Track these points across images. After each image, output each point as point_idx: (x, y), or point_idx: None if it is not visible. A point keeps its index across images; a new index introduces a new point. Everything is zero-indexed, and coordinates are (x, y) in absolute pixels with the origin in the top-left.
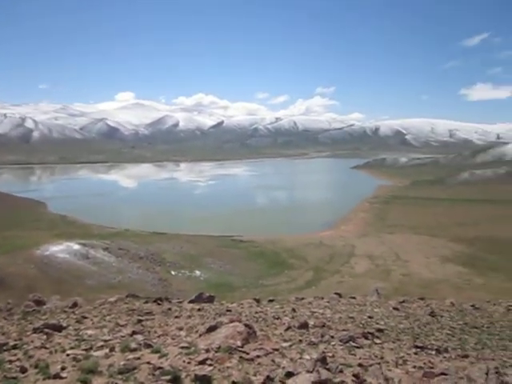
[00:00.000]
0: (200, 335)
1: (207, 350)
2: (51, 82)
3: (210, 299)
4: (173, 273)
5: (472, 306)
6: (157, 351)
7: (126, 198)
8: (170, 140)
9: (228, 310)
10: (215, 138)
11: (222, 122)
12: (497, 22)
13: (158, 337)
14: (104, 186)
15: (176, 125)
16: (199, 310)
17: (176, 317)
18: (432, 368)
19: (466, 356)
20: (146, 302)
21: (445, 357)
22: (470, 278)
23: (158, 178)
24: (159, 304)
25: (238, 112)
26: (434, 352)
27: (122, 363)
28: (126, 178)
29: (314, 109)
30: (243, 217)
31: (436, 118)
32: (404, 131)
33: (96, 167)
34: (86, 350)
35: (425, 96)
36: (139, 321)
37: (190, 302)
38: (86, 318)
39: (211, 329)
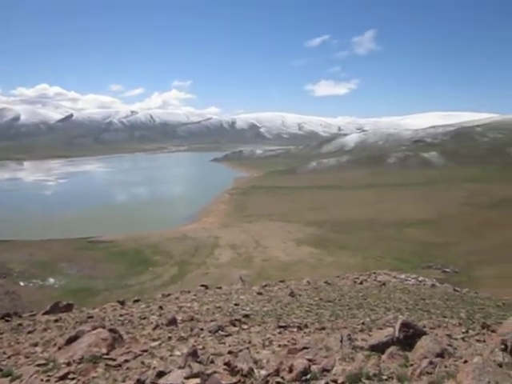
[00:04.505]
0: (59, 348)
1: (68, 364)
2: None
3: (68, 308)
4: (22, 284)
5: (325, 282)
6: (8, 374)
7: None
8: (9, 136)
9: (90, 317)
10: (64, 132)
11: (71, 116)
12: (334, 26)
13: (9, 357)
14: None
15: (16, 118)
16: (56, 320)
17: (29, 332)
18: (295, 344)
19: (323, 328)
20: None
21: (305, 332)
22: (322, 257)
23: None
24: (7, 320)
25: (90, 105)
26: (295, 329)
27: None
28: None
29: (171, 102)
30: (101, 216)
31: (286, 112)
32: (258, 124)
33: None
34: None
35: (275, 91)
36: None
37: (45, 313)
38: None
39: (71, 339)
